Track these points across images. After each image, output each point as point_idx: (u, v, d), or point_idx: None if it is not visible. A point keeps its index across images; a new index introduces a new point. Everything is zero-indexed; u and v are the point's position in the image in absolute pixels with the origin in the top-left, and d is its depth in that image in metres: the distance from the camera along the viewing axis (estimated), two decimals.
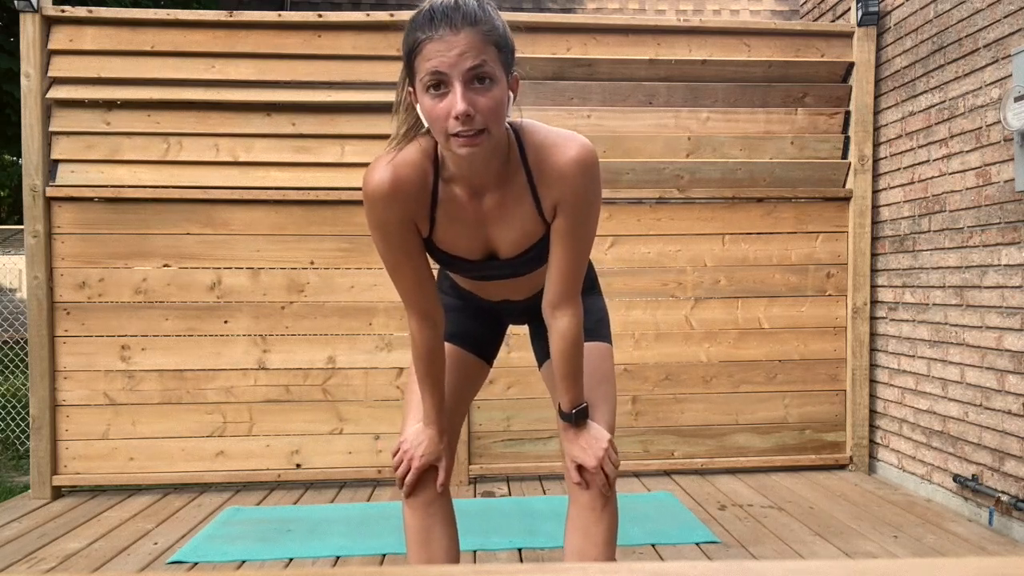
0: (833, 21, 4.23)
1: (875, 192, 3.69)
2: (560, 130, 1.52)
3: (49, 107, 3.38)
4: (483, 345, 1.85)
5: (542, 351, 1.82)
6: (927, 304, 3.29)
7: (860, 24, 3.64)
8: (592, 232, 1.57)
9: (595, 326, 1.77)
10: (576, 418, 1.64)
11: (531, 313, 1.82)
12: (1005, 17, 2.83)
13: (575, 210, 1.51)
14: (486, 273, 1.66)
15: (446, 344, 1.75)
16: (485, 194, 1.52)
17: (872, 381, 3.72)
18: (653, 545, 2.70)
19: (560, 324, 1.58)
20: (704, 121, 3.65)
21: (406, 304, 1.61)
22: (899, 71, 3.51)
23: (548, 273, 1.58)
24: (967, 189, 3.04)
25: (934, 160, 3.25)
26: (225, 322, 3.47)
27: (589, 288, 1.79)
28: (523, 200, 1.52)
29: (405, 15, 3.46)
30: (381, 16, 3.46)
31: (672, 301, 3.65)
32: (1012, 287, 2.80)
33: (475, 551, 2.66)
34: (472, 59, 1.32)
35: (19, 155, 6.10)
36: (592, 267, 1.86)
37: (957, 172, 3.11)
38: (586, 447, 1.62)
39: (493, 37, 1.35)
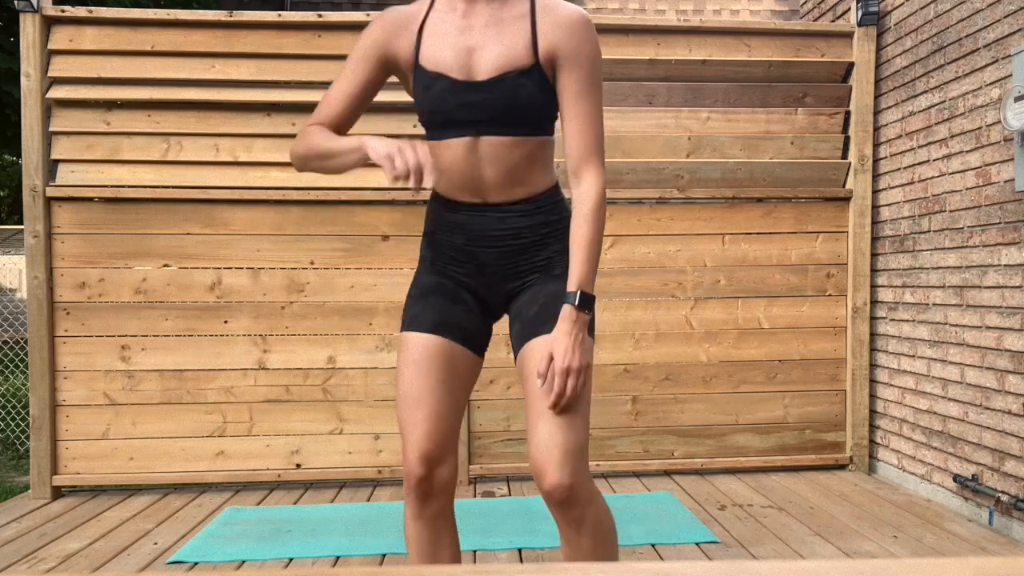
0: (833, 21, 4.23)
1: (875, 192, 3.69)
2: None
3: (49, 107, 3.38)
4: (469, 334, 1.69)
5: (518, 337, 1.67)
6: (927, 304, 3.29)
7: (860, 24, 3.64)
8: (599, 96, 1.60)
9: None
10: (579, 303, 1.53)
11: (512, 271, 1.68)
12: (1005, 17, 2.83)
13: (581, 64, 1.56)
14: (462, 100, 1.57)
15: (429, 336, 1.65)
16: (480, 4, 1.58)
17: (872, 381, 3.72)
18: (653, 545, 2.70)
19: (581, 190, 1.58)
20: (704, 121, 3.65)
21: (319, 108, 1.67)
22: (899, 71, 3.51)
23: (564, 138, 1.60)
24: (967, 189, 3.04)
25: (934, 160, 3.25)
26: (225, 322, 3.47)
27: None
28: (519, 25, 1.57)
29: None
30: None
31: (672, 301, 3.65)
32: (1012, 287, 2.80)
33: (475, 551, 2.66)
34: None
35: (19, 155, 6.10)
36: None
37: (957, 172, 3.11)
38: (567, 349, 1.51)
39: None
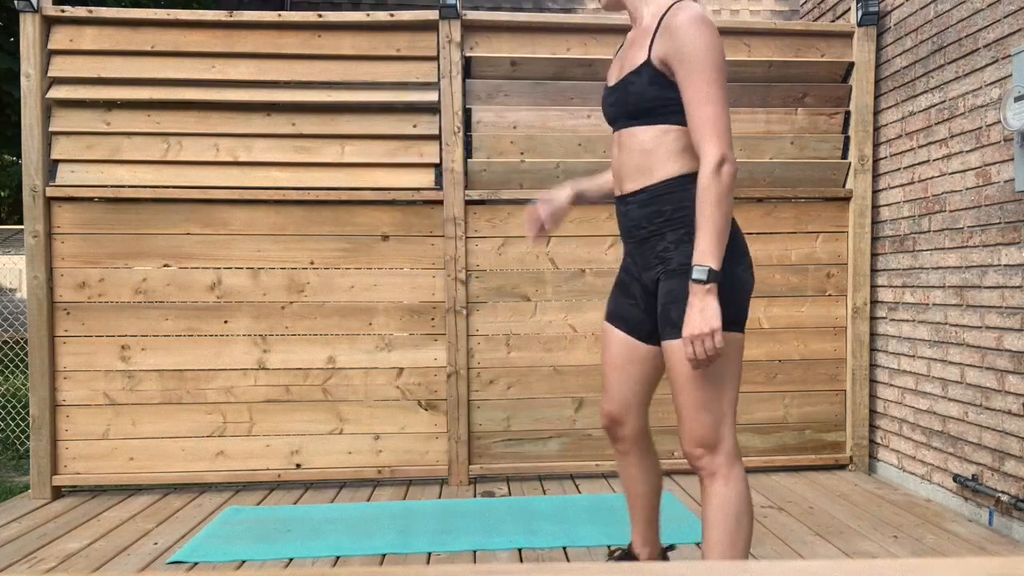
0: (833, 21, 4.23)
1: (875, 192, 3.69)
2: (696, 4, 1.79)
3: (49, 107, 3.38)
4: (632, 324, 2.02)
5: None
6: (927, 304, 3.29)
7: (860, 24, 3.64)
8: (708, 83, 1.73)
9: (681, 316, 1.79)
10: (701, 278, 1.70)
11: (644, 262, 1.93)
12: (1005, 17, 2.83)
13: (682, 59, 1.75)
14: (607, 102, 1.94)
15: (606, 324, 2.08)
16: (639, 27, 1.89)
17: (872, 381, 3.72)
18: None
19: (699, 170, 1.76)
20: None
21: None
22: (899, 71, 3.51)
23: None
24: (967, 189, 3.04)
25: (934, 160, 3.25)
26: (225, 322, 3.47)
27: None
28: (646, 39, 1.83)
29: (405, 15, 3.46)
30: (381, 16, 3.46)
31: None
32: (1012, 287, 2.80)
33: (475, 551, 2.66)
34: None
35: (19, 155, 6.10)
36: (736, 237, 1.83)
37: (957, 172, 3.11)
38: (689, 319, 1.71)
39: None
